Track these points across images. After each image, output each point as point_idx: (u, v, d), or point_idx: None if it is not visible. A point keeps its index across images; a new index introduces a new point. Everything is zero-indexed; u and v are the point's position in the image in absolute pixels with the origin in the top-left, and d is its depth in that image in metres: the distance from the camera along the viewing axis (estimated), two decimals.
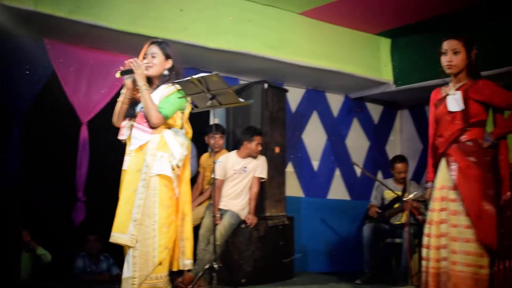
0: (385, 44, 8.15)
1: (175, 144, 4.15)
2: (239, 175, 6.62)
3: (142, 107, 4.16)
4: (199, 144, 7.09)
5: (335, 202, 8.69)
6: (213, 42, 6.66)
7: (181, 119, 4.27)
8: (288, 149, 7.71)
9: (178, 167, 4.17)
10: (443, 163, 4.35)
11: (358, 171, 8.83)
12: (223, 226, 6.35)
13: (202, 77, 4.25)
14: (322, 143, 8.73)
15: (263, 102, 7.05)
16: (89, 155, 6.61)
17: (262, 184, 6.78)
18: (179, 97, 4.23)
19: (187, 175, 4.35)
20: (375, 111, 9.33)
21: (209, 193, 7.05)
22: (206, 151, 7.25)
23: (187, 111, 4.33)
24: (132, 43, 6.52)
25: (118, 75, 4.15)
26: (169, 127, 4.21)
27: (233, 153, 6.75)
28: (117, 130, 6.86)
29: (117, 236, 4.09)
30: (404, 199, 6.37)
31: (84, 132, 6.63)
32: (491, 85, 4.30)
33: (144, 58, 4.24)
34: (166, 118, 4.14)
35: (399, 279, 6.62)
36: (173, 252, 4.24)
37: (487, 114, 4.36)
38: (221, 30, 6.77)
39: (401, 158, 7.53)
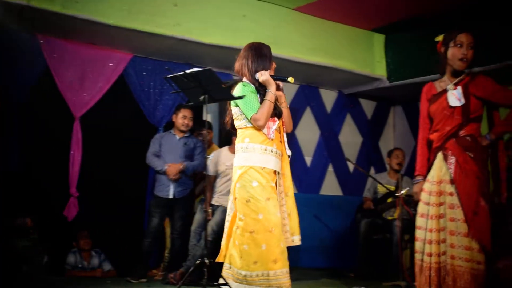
0: (378, 40, 8.13)
1: None
2: (231, 170, 6.59)
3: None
4: None
5: (327, 198, 8.69)
6: (207, 37, 6.65)
7: None
8: None
9: None
10: (439, 157, 4.29)
11: (351, 166, 8.84)
12: (215, 222, 6.29)
13: (195, 71, 4.24)
14: (315, 139, 8.73)
15: None
16: (82, 151, 6.63)
17: None
18: None
19: None
20: (368, 107, 9.33)
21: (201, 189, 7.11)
22: None
23: None
24: (127, 38, 6.53)
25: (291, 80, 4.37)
26: None
27: (225, 148, 6.72)
28: (111, 126, 6.79)
29: (298, 239, 4.34)
30: (396, 194, 6.40)
31: (77, 128, 6.64)
32: (491, 82, 4.25)
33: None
34: None
35: (390, 274, 6.63)
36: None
37: (483, 109, 4.30)
38: (215, 26, 6.75)
39: (399, 148, 7.80)
